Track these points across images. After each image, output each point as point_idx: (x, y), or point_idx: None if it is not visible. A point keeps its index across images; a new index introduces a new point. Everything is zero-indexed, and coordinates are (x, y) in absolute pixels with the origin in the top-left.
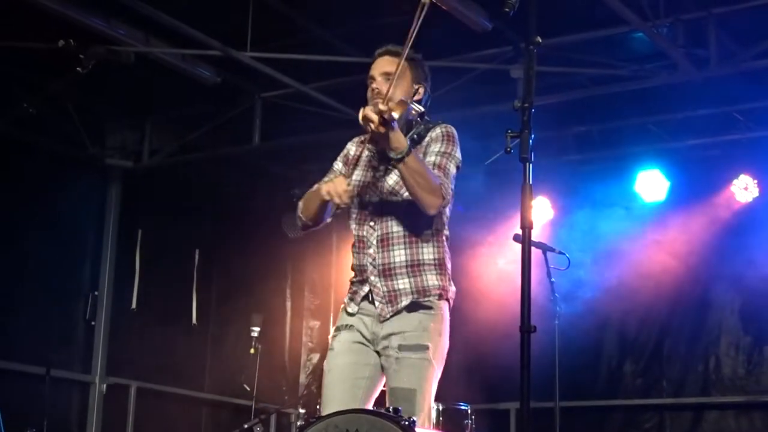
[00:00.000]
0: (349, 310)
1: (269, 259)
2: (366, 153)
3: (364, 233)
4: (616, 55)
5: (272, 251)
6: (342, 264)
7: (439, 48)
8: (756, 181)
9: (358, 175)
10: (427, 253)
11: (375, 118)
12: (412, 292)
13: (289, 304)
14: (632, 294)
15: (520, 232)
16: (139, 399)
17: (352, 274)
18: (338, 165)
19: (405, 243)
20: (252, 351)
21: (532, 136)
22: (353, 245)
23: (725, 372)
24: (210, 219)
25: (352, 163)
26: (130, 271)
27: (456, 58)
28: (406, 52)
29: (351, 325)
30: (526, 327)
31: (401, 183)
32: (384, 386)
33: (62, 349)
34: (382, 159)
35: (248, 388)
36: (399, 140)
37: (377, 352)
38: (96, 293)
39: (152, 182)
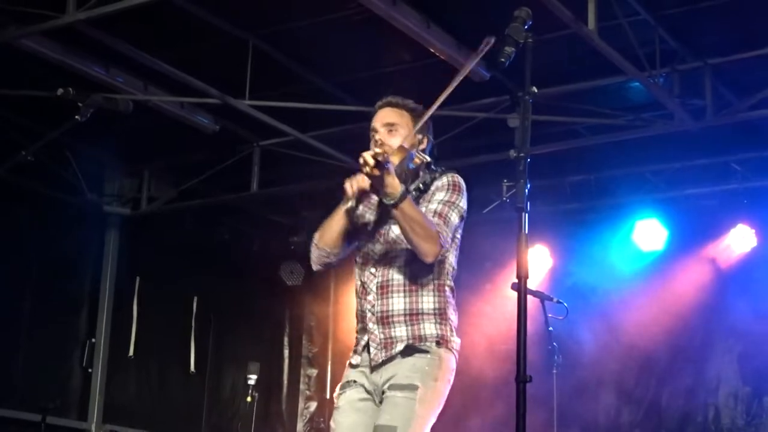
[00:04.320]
0: (353, 361)
1: (267, 306)
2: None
3: (366, 279)
4: (613, 105)
5: (270, 299)
6: (340, 312)
7: (437, 96)
8: (754, 231)
9: (363, 219)
10: (427, 302)
11: (370, 161)
12: (407, 338)
13: (287, 352)
14: (631, 343)
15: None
16: None
17: (355, 322)
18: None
19: (404, 291)
20: (248, 399)
21: (528, 185)
22: (356, 291)
23: (724, 422)
24: (208, 266)
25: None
26: (127, 318)
27: (454, 107)
28: (431, 111)
29: (355, 381)
30: (521, 377)
31: None
32: None
33: (59, 396)
34: (386, 207)
35: None
36: (393, 185)
37: (380, 404)
38: (93, 340)
39: (150, 229)
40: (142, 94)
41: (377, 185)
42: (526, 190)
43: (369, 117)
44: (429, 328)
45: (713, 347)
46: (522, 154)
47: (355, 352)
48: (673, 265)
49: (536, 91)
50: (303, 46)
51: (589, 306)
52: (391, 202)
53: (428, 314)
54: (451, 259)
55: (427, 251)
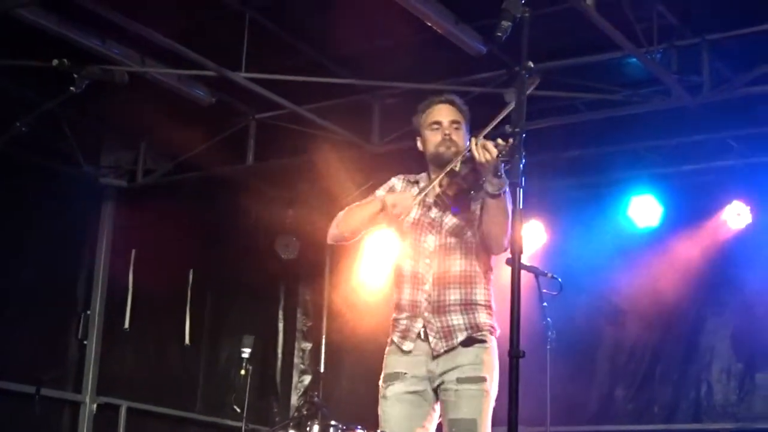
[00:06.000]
0: (404, 348)
1: (262, 280)
2: (413, 190)
3: (420, 270)
4: (610, 81)
5: (265, 272)
6: (335, 287)
7: (434, 71)
8: (749, 208)
9: (412, 212)
10: (480, 294)
11: (494, 151)
12: (466, 328)
13: (281, 325)
14: (624, 319)
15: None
16: (129, 419)
17: (398, 310)
18: (381, 194)
19: (460, 283)
20: (242, 372)
21: (523, 161)
22: (404, 281)
23: (717, 398)
24: (204, 239)
25: None
26: (123, 290)
27: (451, 81)
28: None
29: (404, 374)
30: (515, 352)
31: (462, 225)
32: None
33: (53, 368)
34: (443, 199)
35: (239, 410)
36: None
37: (434, 390)
38: (89, 312)
39: (146, 201)
40: (138, 66)
41: (488, 173)
42: (521, 165)
43: (365, 90)
44: (483, 317)
45: (707, 324)
46: (518, 129)
47: (404, 338)
48: (669, 242)
49: (533, 65)
50: (299, 19)
51: (584, 281)
52: (497, 191)
53: (481, 305)
54: None
55: (503, 245)
